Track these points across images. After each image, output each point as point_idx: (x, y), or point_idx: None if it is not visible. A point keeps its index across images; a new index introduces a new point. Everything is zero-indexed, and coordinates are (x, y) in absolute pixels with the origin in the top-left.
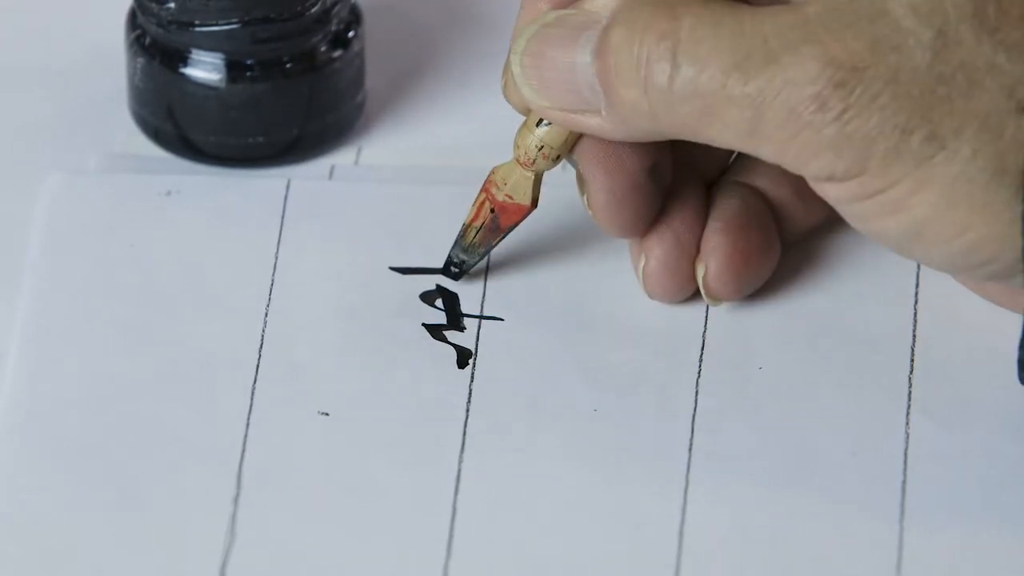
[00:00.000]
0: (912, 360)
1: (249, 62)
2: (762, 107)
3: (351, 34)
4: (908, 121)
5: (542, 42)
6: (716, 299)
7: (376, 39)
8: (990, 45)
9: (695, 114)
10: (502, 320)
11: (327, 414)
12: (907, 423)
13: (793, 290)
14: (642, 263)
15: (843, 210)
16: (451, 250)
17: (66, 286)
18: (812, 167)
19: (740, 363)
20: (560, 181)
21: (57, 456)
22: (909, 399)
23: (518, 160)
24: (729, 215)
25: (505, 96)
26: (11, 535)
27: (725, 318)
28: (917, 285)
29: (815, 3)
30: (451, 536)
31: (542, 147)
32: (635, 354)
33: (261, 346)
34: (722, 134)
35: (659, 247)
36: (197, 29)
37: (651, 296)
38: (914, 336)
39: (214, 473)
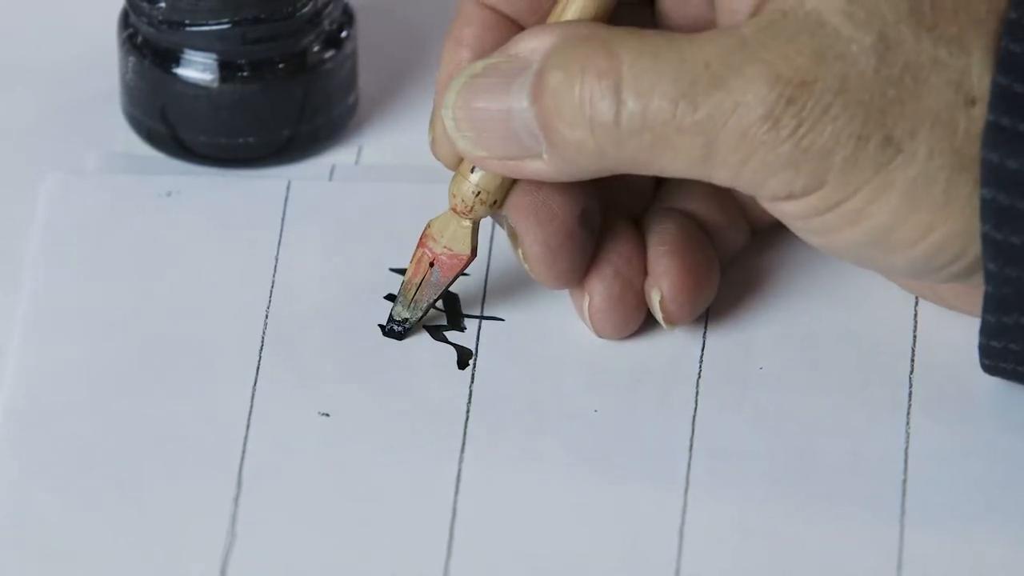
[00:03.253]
0: (912, 360)
1: (241, 62)
2: (714, 133)
3: (343, 34)
4: (863, 128)
5: (473, 92)
6: (673, 322)
7: (368, 39)
8: (930, 41)
9: (645, 147)
10: (502, 320)
11: (327, 415)
12: (907, 423)
13: (793, 290)
14: (586, 303)
15: (800, 226)
16: (392, 308)
17: (66, 286)
18: (769, 187)
19: (740, 363)
20: None
21: (57, 456)
22: (909, 399)
23: (455, 209)
24: (671, 238)
25: (433, 152)
26: (12, 535)
27: (725, 318)
28: None
29: (749, 24)
30: (451, 536)
31: (479, 192)
32: (635, 354)
33: (261, 347)
34: (674, 163)
35: (601, 283)
36: (188, 29)
37: (600, 334)
38: (914, 336)
39: (214, 473)
